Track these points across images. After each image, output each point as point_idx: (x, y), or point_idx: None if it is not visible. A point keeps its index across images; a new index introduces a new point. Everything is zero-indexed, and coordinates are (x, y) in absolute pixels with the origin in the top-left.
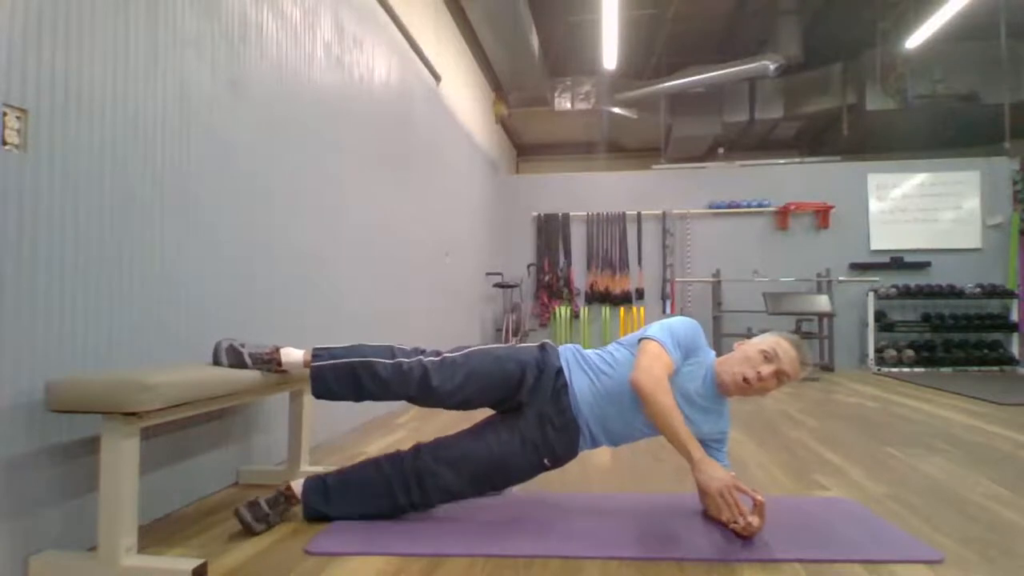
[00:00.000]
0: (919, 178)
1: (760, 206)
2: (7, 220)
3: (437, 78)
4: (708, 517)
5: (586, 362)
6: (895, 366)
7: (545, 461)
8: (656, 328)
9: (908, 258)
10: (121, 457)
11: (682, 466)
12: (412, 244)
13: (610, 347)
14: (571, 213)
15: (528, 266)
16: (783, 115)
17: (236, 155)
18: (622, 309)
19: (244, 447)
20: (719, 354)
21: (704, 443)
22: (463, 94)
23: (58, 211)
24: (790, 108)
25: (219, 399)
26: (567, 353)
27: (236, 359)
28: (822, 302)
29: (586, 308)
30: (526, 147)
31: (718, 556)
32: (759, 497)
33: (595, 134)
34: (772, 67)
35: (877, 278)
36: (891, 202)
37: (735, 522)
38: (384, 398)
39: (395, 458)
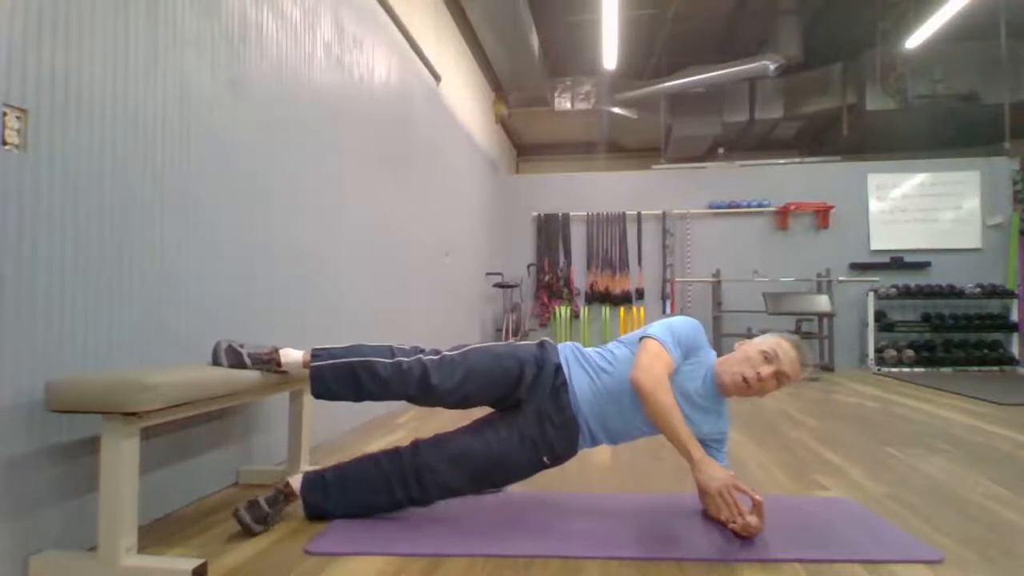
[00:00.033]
0: (919, 178)
1: (760, 206)
2: (7, 220)
3: (437, 78)
4: (708, 517)
5: (586, 360)
6: (895, 366)
7: (544, 459)
8: (657, 327)
9: (908, 258)
10: (121, 457)
11: (682, 466)
12: (412, 244)
13: (611, 345)
14: (571, 213)
15: (528, 266)
16: (783, 115)
17: (236, 155)
18: (622, 309)
19: (244, 447)
20: (719, 354)
21: (704, 443)
22: (463, 94)
23: (58, 211)
24: (790, 108)
25: (219, 399)
26: (566, 351)
27: (235, 359)
28: (822, 302)
29: (586, 308)
30: (526, 147)
31: (718, 556)
32: (758, 497)
33: (595, 134)
34: (772, 67)
35: (877, 278)
36: (891, 202)
37: (733, 522)
38: (384, 398)
39: (394, 454)
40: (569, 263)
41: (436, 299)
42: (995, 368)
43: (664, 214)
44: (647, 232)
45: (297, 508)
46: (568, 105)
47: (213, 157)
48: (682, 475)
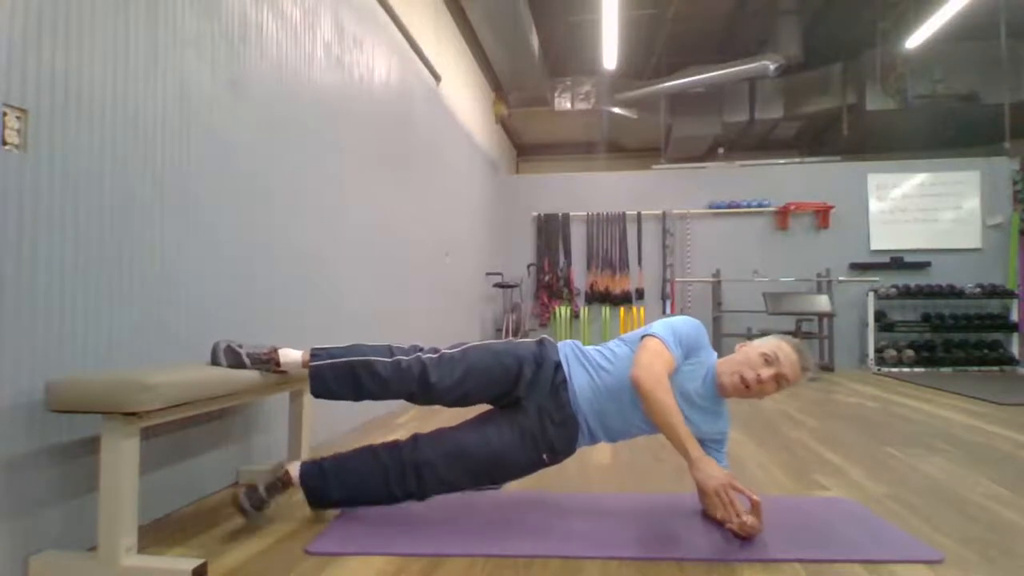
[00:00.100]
0: (919, 178)
1: (760, 206)
2: (7, 220)
3: (437, 78)
4: (708, 517)
5: (586, 358)
6: (895, 366)
7: (544, 456)
8: (659, 325)
9: (908, 258)
10: (121, 457)
11: (682, 466)
12: (412, 244)
13: (611, 343)
14: (571, 213)
15: (528, 266)
16: (783, 115)
17: (236, 155)
18: (622, 309)
19: (244, 447)
20: (719, 355)
21: (703, 443)
22: (463, 94)
23: (58, 211)
24: (790, 108)
25: (219, 399)
26: (566, 349)
27: (234, 359)
28: (822, 302)
29: (586, 308)
30: (526, 147)
31: (718, 556)
32: (755, 497)
33: (595, 134)
34: (772, 67)
35: (877, 278)
36: (891, 202)
37: (730, 521)
38: (383, 397)
39: (393, 448)
40: (569, 263)
41: (436, 299)
42: (995, 368)
43: (664, 214)
44: (647, 232)
45: (297, 508)
46: (568, 105)
47: (213, 157)
48: (682, 475)
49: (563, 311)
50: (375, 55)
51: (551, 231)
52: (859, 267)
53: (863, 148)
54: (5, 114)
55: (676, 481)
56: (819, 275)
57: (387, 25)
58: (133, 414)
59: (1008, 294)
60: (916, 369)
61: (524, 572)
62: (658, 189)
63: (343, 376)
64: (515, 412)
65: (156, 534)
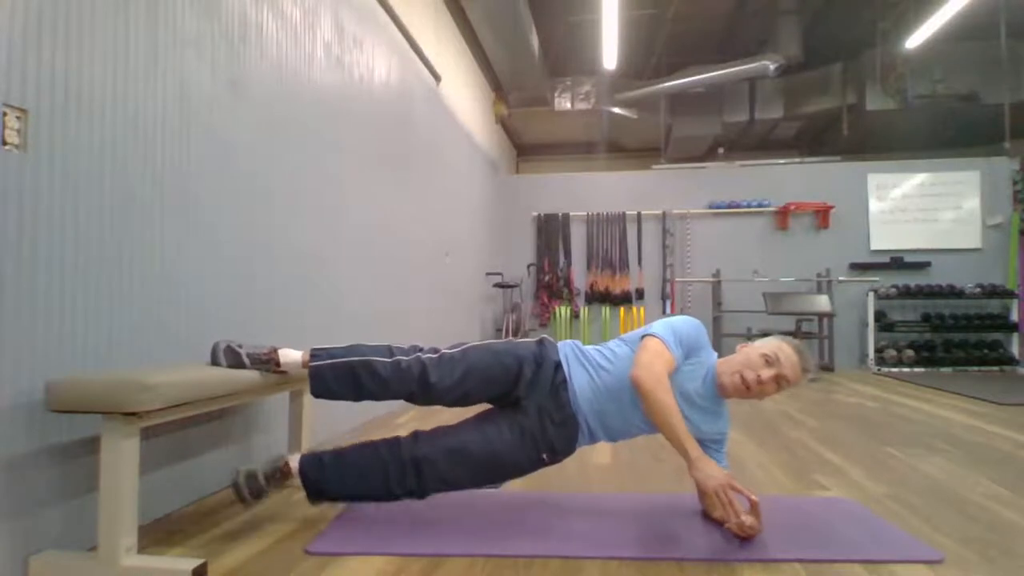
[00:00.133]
0: (919, 178)
1: (760, 206)
2: (7, 220)
3: (437, 78)
4: (708, 517)
5: (585, 358)
6: (895, 366)
7: (544, 456)
8: (659, 325)
9: (908, 258)
10: (121, 457)
11: (682, 466)
12: (412, 244)
13: (611, 343)
14: (571, 213)
15: (528, 266)
16: (783, 115)
17: (236, 155)
18: (622, 309)
19: (244, 447)
20: (719, 355)
21: (703, 443)
22: (463, 94)
23: (58, 211)
24: (790, 108)
25: (219, 399)
26: (566, 348)
27: (234, 360)
28: (822, 302)
29: (586, 308)
30: (526, 147)
31: (718, 556)
32: (754, 497)
33: (595, 134)
34: (772, 67)
35: (877, 278)
36: (891, 202)
37: (729, 521)
38: (383, 397)
39: (393, 444)
40: (569, 263)
41: (436, 299)
42: (995, 368)
43: (664, 214)
44: (647, 232)
45: (297, 508)
46: (568, 105)
47: (213, 157)
48: (682, 475)
49: (563, 311)
50: (375, 55)
51: (551, 231)
52: (859, 267)
53: (863, 148)
54: (5, 114)
55: (676, 481)
56: (819, 275)
57: (387, 25)
58: (133, 414)
59: (1008, 294)
60: (916, 369)
61: (524, 572)
62: (658, 189)
63: (343, 376)
64: (515, 412)
65: (156, 534)
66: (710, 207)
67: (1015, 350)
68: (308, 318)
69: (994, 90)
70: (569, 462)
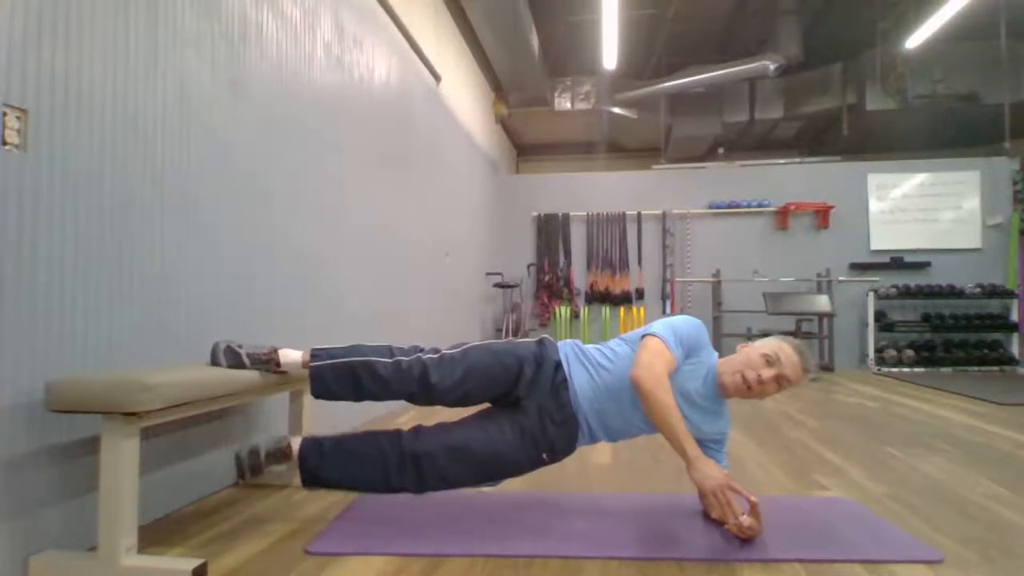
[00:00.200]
0: (919, 178)
1: (760, 206)
2: (7, 220)
3: (437, 78)
4: (708, 517)
5: (586, 357)
6: (895, 366)
7: (544, 456)
8: (660, 325)
9: (908, 258)
10: (121, 457)
11: (682, 466)
12: (412, 244)
13: (612, 343)
14: (571, 213)
15: (528, 266)
16: (783, 115)
17: (236, 155)
18: (622, 309)
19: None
20: (719, 354)
21: (703, 443)
22: (463, 94)
23: (58, 211)
24: (790, 108)
25: (219, 399)
26: (566, 348)
27: (234, 360)
28: (822, 302)
29: (586, 308)
30: (526, 147)
31: (718, 556)
32: (753, 498)
33: (595, 134)
34: (772, 67)
35: (877, 278)
36: (891, 202)
37: (728, 522)
38: (384, 397)
39: (395, 436)
40: (569, 263)
41: (436, 299)
42: (995, 368)
43: (664, 214)
44: (647, 232)
45: (297, 508)
46: (568, 105)
47: (213, 157)
48: (682, 475)
49: (563, 311)
50: (375, 55)
51: (551, 231)
52: (859, 267)
53: (863, 148)
54: (5, 114)
55: (676, 481)
56: (819, 275)
57: (387, 25)
58: (133, 414)
59: (1008, 294)
60: (916, 369)
61: (524, 572)
62: (658, 189)
63: (343, 376)
64: (516, 411)
65: (156, 534)
66: (710, 207)
67: (1015, 350)
68: (308, 318)
69: (994, 90)
70: (569, 462)
